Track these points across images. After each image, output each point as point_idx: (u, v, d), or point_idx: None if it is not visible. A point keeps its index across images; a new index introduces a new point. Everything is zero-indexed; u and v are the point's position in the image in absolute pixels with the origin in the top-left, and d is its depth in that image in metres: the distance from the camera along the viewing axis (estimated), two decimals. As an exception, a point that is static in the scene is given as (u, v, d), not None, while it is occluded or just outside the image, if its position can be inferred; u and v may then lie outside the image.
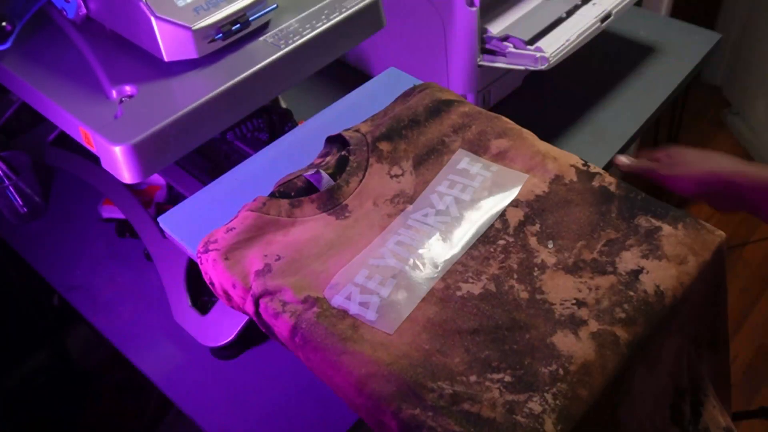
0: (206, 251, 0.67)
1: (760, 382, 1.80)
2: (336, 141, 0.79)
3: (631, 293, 0.64)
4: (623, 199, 0.72)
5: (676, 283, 0.65)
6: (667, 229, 0.69)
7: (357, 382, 0.58)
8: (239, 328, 0.85)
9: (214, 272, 0.67)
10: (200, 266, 0.69)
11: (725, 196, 0.74)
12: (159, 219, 0.74)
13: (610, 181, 0.74)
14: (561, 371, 0.59)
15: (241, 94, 0.75)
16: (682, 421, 0.72)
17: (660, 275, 0.65)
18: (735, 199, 0.74)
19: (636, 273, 0.66)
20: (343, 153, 0.77)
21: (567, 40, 1.00)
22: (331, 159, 0.77)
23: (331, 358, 0.60)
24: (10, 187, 1.03)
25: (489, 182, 0.74)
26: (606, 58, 1.26)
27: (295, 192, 0.73)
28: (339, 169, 0.76)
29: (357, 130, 0.79)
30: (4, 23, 0.78)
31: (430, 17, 1.02)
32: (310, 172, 0.74)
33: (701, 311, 0.70)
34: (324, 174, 0.74)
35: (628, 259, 0.67)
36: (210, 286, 0.70)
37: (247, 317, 0.70)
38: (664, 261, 0.66)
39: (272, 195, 0.72)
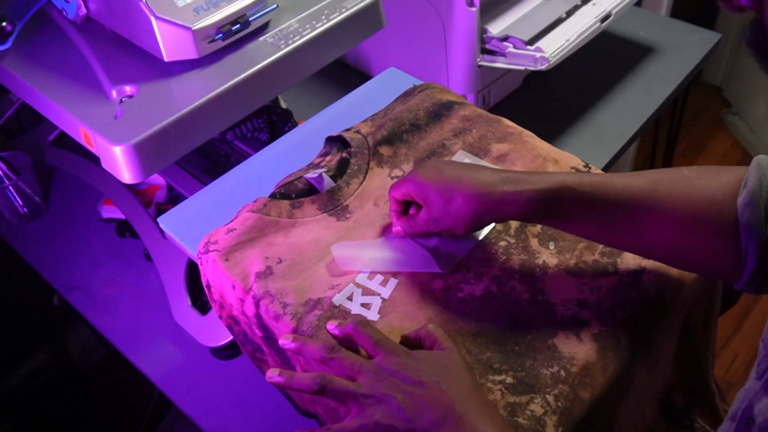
0: (206, 252, 0.67)
1: (760, 381, 1.80)
2: (336, 141, 0.79)
3: (633, 294, 0.64)
4: (624, 200, 0.72)
5: (677, 283, 0.65)
6: (668, 229, 0.69)
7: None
8: (239, 329, 0.85)
9: (213, 273, 0.67)
10: (200, 267, 0.69)
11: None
12: (159, 219, 0.74)
13: (611, 181, 0.74)
14: (563, 373, 0.59)
15: (241, 94, 0.75)
16: (672, 413, 0.72)
17: (661, 276, 0.65)
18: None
19: (637, 273, 0.66)
20: (343, 155, 0.77)
21: (567, 40, 1.00)
22: (331, 159, 0.77)
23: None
24: (10, 187, 1.03)
25: None
26: (606, 58, 1.26)
27: (296, 194, 0.73)
28: (340, 171, 0.76)
29: (357, 131, 0.79)
30: (4, 23, 0.77)
31: (430, 17, 1.01)
32: (311, 174, 0.74)
33: (697, 308, 0.70)
34: (326, 176, 0.73)
35: (630, 260, 0.67)
36: (206, 289, 0.70)
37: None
38: (665, 262, 0.66)
39: (273, 196, 0.72)
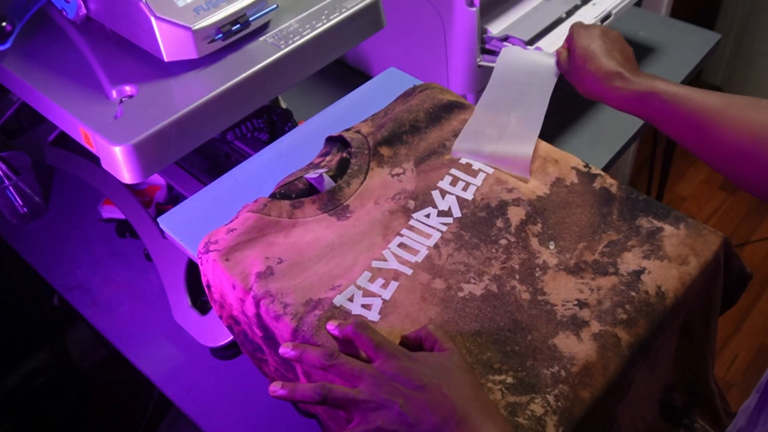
0: (207, 252, 0.67)
1: (760, 381, 1.80)
2: (336, 141, 0.79)
3: (633, 294, 0.64)
4: (624, 201, 0.72)
5: (677, 283, 0.65)
6: (668, 229, 0.69)
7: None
8: (239, 329, 0.85)
9: (213, 273, 0.67)
10: (200, 267, 0.69)
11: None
12: (159, 219, 0.74)
13: (611, 182, 0.74)
14: (563, 373, 0.59)
15: (241, 94, 0.75)
16: (672, 413, 0.72)
17: (661, 275, 0.65)
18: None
19: (637, 273, 0.66)
20: (344, 155, 0.77)
21: (567, 40, 1.00)
22: (331, 159, 0.77)
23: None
24: (10, 187, 1.03)
25: (492, 180, 0.74)
26: (606, 58, 1.26)
27: (297, 194, 0.73)
28: (340, 171, 0.76)
29: (358, 131, 0.79)
30: (4, 23, 0.77)
31: (430, 17, 1.01)
32: (311, 174, 0.74)
33: (697, 309, 0.70)
34: (326, 176, 0.73)
35: (630, 260, 0.67)
36: (206, 289, 0.70)
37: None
38: (665, 261, 0.66)
39: (273, 196, 0.72)
